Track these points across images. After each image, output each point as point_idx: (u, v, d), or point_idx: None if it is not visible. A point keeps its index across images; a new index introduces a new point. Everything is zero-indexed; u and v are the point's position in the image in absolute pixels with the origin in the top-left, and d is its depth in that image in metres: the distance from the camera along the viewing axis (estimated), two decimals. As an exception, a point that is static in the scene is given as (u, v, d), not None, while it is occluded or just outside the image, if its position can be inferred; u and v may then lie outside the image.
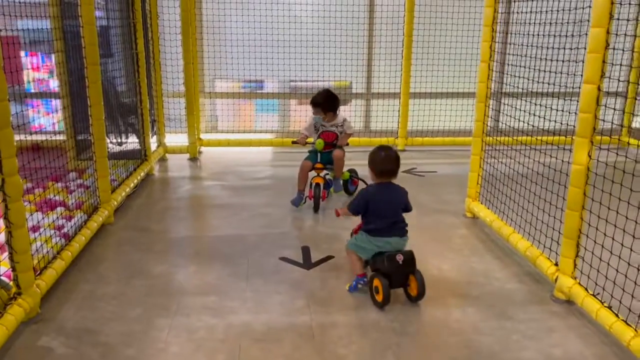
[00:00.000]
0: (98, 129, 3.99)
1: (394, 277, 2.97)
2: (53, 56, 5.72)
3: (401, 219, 3.11)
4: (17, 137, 2.66)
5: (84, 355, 2.54)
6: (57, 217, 3.80)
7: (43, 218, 3.69)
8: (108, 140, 4.30)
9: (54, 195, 4.25)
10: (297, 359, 2.55)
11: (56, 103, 6.25)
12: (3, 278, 2.82)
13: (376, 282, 2.98)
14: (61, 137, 4.52)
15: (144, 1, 5.60)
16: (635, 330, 2.48)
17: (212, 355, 2.55)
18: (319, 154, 4.61)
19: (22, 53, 5.83)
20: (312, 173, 4.63)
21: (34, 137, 3.96)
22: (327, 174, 4.72)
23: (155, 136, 6.09)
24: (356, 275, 3.17)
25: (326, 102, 4.59)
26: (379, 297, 2.97)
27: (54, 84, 5.87)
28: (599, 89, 2.72)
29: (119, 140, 5.09)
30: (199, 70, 6.70)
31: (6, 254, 2.78)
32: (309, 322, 2.85)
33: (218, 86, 7.29)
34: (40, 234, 3.40)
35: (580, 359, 2.58)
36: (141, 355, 2.55)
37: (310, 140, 4.67)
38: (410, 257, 3.01)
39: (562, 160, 3.19)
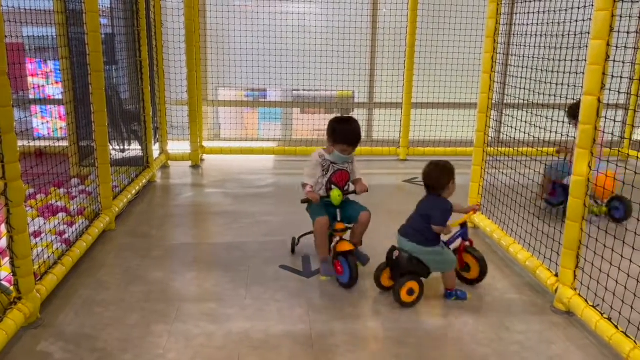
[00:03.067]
0: (101, 135, 4.01)
1: (391, 269, 3.18)
2: (50, 63, 5.77)
3: (418, 228, 3.13)
4: (20, 143, 2.68)
5: (82, 361, 2.54)
6: (59, 223, 3.81)
7: (45, 224, 3.70)
8: (111, 147, 4.32)
9: (56, 201, 4.27)
10: (295, 367, 2.55)
11: (51, 108, 6.28)
12: (4, 283, 2.83)
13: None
14: (64, 144, 4.55)
15: (149, 9, 5.65)
16: (635, 342, 2.47)
17: (210, 363, 2.55)
18: (338, 210, 3.47)
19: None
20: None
21: (38, 143, 3.99)
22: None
23: (157, 143, 6.11)
24: None
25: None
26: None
27: (49, 90, 5.89)
28: (599, 100, 2.73)
29: (122, 147, 5.11)
30: (202, 79, 6.74)
31: (7, 258, 2.79)
32: (307, 330, 2.84)
33: (221, 94, 7.34)
34: (41, 239, 3.42)
35: (580, 371, 2.57)
36: (139, 361, 2.55)
37: (328, 194, 3.48)
38: (399, 262, 3.10)
39: (563, 172, 3.19)
